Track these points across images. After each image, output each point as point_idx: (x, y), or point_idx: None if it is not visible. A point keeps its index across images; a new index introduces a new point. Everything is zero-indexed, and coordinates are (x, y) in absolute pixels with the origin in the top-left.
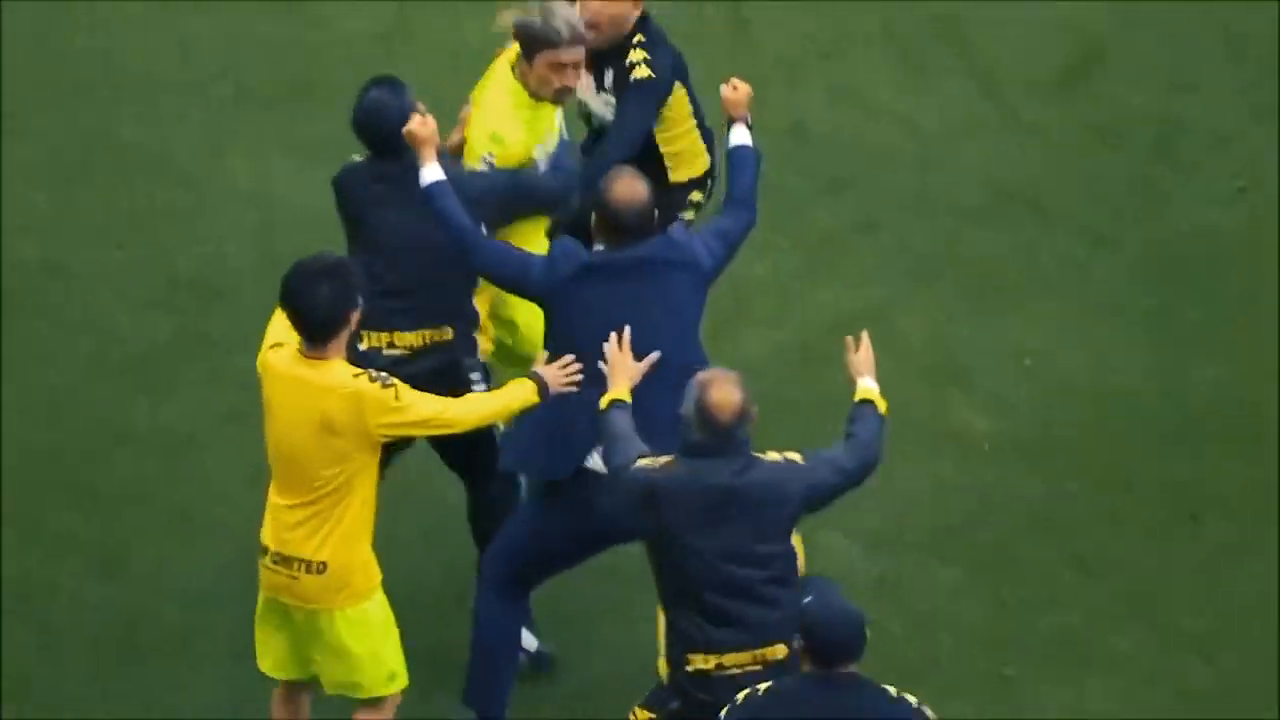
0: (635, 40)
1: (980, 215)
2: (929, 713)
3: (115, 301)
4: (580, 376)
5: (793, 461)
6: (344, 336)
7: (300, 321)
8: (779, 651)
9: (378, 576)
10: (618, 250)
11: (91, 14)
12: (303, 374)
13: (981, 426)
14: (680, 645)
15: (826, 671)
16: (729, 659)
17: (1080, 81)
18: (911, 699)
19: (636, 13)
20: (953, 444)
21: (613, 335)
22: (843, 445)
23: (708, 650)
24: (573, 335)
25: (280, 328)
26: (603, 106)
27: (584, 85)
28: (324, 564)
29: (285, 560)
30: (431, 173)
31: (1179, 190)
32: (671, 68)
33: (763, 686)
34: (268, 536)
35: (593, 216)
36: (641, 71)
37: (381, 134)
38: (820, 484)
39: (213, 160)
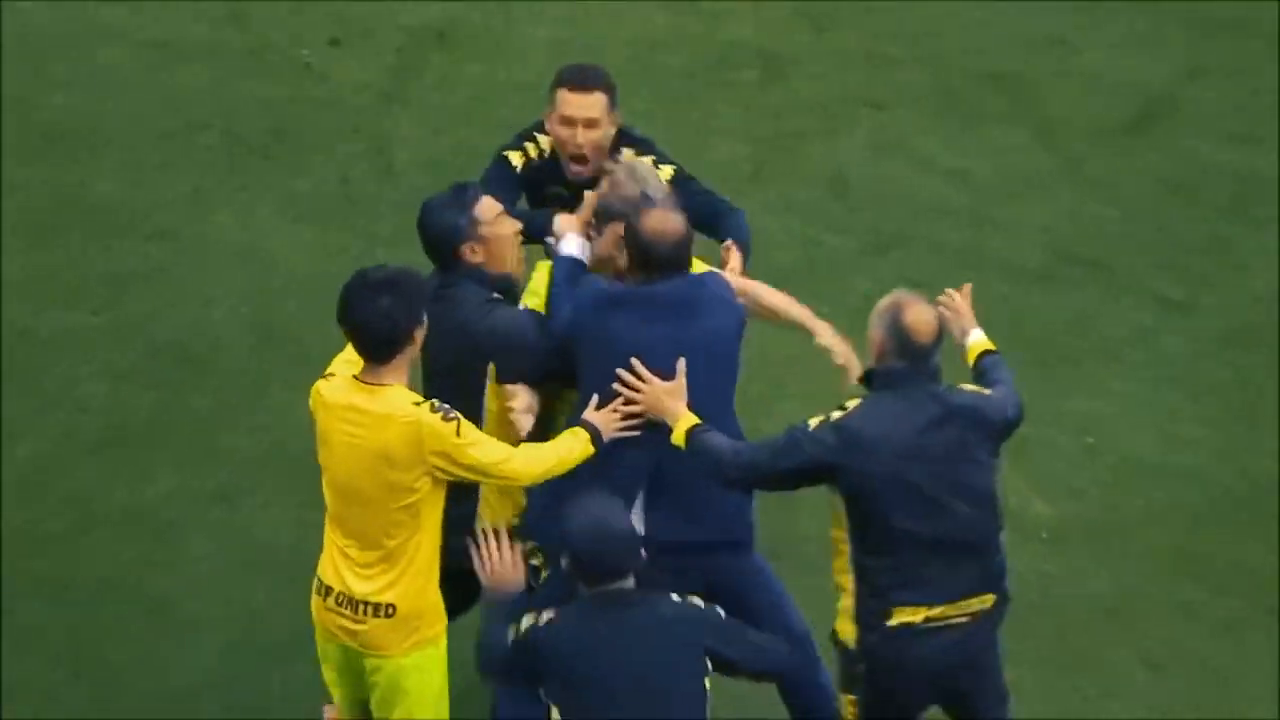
0: (627, 157)
1: (1039, 277)
2: (721, 612)
3: (90, 371)
4: (637, 420)
5: (983, 392)
6: (406, 356)
7: (359, 337)
8: (987, 600)
9: (444, 619)
10: (649, 285)
11: (67, 62)
12: (359, 403)
13: (1041, 510)
14: (881, 599)
15: (602, 590)
16: (938, 611)
17: (1148, 131)
18: (699, 601)
19: (613, 130)
20: (1010, 529)
21: (623, 373)
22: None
23: (916, 601)
24: (596, 378)
25: (341, 361)
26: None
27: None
28: (393, 606)
29: (351, 603)
30: (569, 246)
31: (1254, 251)
32: None
33: (542, 619)
34: (329, 575)
35: (625, 257)
36: (666, 170)
37: (428, 245)
38: (1012, 417)
39: (197, 216)
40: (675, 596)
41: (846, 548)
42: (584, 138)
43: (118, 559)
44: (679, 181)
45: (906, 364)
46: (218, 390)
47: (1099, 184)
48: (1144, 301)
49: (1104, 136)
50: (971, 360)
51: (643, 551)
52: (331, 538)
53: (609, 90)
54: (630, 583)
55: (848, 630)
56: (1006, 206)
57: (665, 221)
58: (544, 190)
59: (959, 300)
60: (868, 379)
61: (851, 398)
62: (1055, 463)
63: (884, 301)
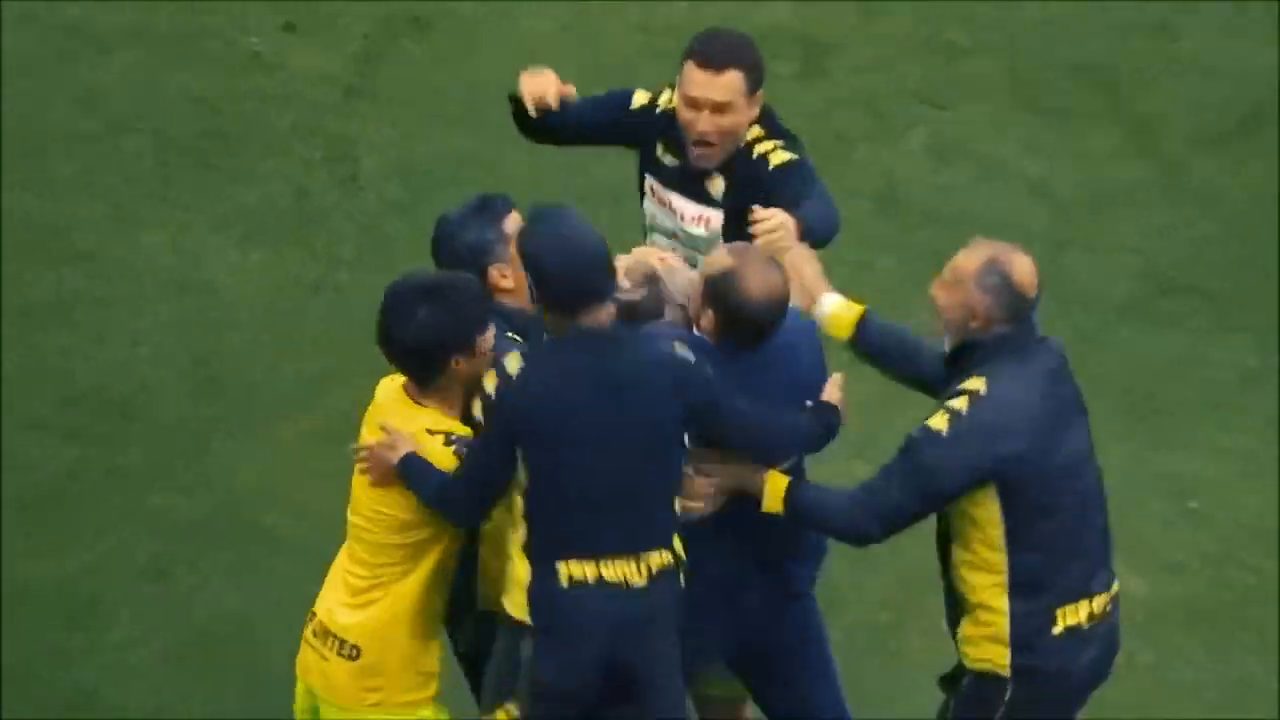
0: (752, 137)
1: (1130, 309)
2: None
3: None
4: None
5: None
6: (448, 383)
7: (389, 353)
8: (1114, 581)
9: (430, 689)
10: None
11: None
12: (392, 415)
13: (1135, 588)
14: (1042, 603)
15: (575, 324)
16: (1099, 603)
17: (1262, 134)
18: (688, 352)
19: (754, 114)
20: None
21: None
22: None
23: (1080, 595)
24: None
25: None
26: (695, 225)
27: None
28: (357, 649)
29: (323, 633)
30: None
31: None
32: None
33: (509, 366)
34: (320, 601)
35: (710, 316)
36: (781, 155)
37: (446, 266)
38: None
39: (122, 236)
40: (661, 342)
41: (996, 557)
42: (709, 124)
43: (31, 642)
44: (787, 170)
45: (1017, 326)
46: (149, 443)
47: (1203, 197)
48: (1255, 338)
49: (1209, 141)
50: (849, 332)
51: (619, 279)
52: (340, 559)
53: (748, 69)
54: (606, 315)
55: (992, 655)
56: (1092, 223)
57: (769, 282)
58: (655, 151)
59: (798, 251)
60: (967, 350)
61: (975, 379)
62: (1151, 532)
63: (973, 259)
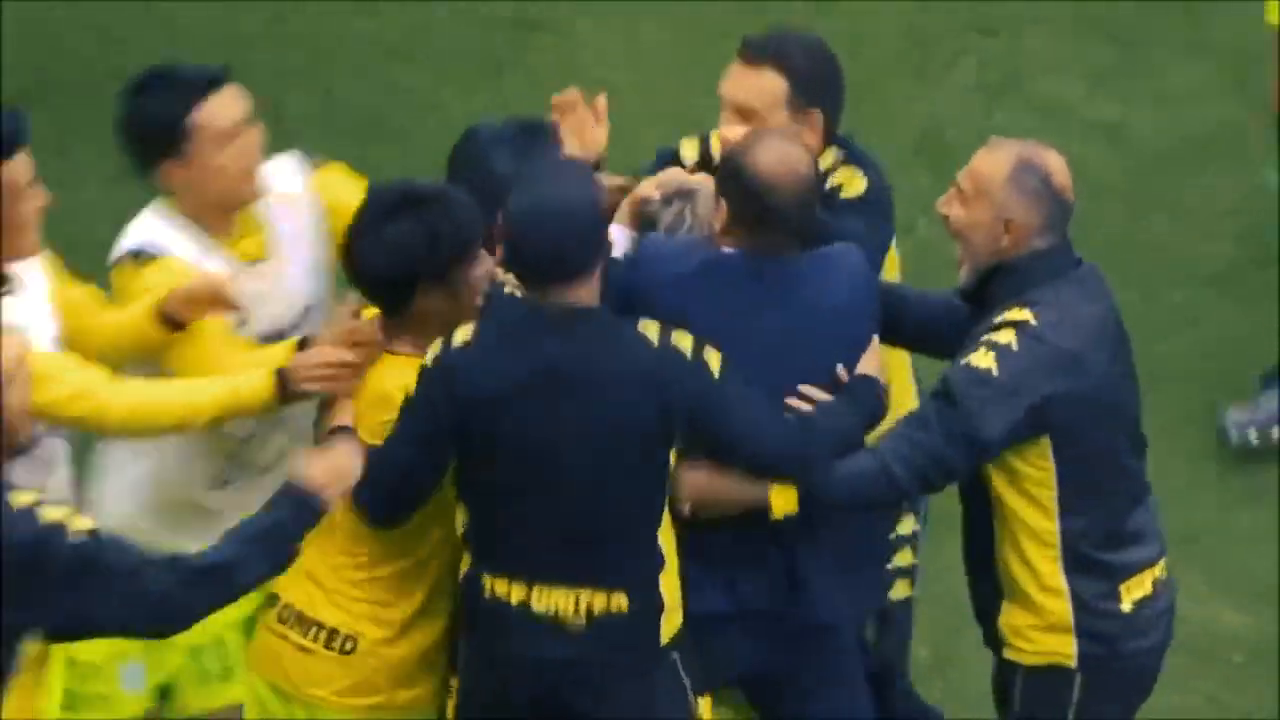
0: (824, 166)
1: (1224, 281)
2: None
3: None
4: None
5: None
6: (422, 321)
7: (352, 278)
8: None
9: (432, 684)
10: (760, 254)
11: None
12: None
13: (1230, 622)
14: (1110, 578)
15: (544, 297)
16: (1160, 567)
17: None
18: (683, 345)
19: (810, 138)
20: (1189, 651)
21: None
22: None
23: (1144, 563)
24: None
25: None
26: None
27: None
28: (354, 639)
29: (300, 620)
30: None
31: None
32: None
33: (455, 339)
34: (283, 582)
35: (723, 209)
36: (858, 184)
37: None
38: None
39: None
40: (651, 333)
41: (1048, 525)
42: (732, 130)
43: None
44: (853, 204)
45: (1057, 241)
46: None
47: None
48: None
49: None
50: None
51: (615, 248)
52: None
53: (794, 74)
54: (583, 294)
55: (1055, 645)
56: (1176, 177)
57: (786, 159)
58: None
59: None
60: (998, 275)
61: (1018, 309)
62: (1248, 553)
63: (1000, 161)
